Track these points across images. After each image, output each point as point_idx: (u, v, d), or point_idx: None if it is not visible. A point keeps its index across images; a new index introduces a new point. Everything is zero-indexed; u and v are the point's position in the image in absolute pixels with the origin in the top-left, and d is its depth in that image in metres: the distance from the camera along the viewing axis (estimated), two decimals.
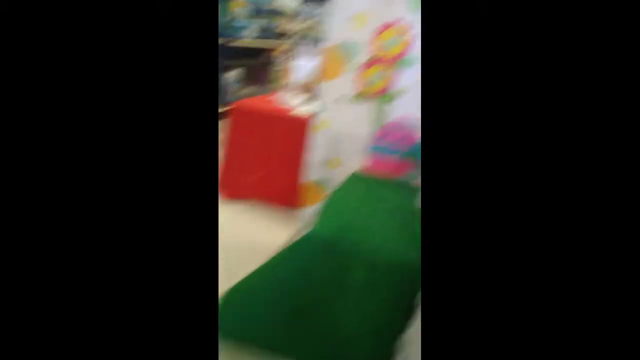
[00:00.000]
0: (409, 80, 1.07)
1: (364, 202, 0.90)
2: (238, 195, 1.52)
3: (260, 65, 2.74)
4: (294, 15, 2.88)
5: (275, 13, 2.81)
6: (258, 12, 2.64)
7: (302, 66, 1.81)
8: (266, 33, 2.71)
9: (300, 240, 0.74)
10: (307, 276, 0.74)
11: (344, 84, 1.12)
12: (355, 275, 0.71)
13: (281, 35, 2.96)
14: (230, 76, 2.50)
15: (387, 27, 1.04)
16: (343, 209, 0.84)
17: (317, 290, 0.73)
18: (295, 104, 1.62)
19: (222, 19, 2.21)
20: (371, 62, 1.08)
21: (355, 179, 1.08)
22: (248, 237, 1.28)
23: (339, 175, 1.20)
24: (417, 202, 0.80)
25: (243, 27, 2.50)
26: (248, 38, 2.52)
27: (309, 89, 1.63)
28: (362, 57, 1.08)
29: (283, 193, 1.60)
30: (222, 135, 1.28)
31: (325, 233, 0.75)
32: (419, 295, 0.65)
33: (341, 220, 0.79)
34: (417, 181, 1.12)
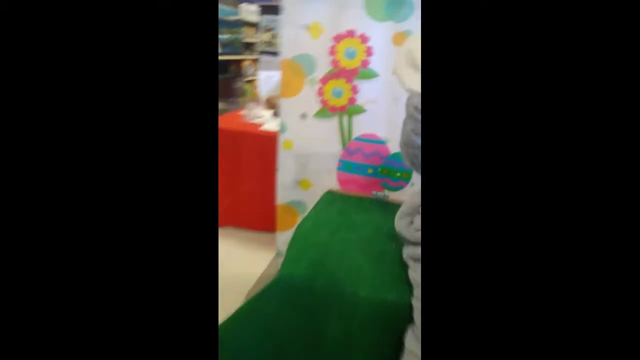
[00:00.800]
0: (372, 94, 1.00)
1: (336, 232, 0.82)
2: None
3: (228, 79, 2.64)
4: (257, 26, 2.80)
5: (241, 24, 2.72)
6: (225, 24, 2.54)
7: (264, 80, 1.72)
8: (232, 46, 2.62)
9: (267, 289, 0.66)
10: (277, 329, 0.65)
11: (304, 100, 1.04)
12: (331, 325, 0.63)
13: (248, 46, 2.87)
14: None
15: (342, 37, 0.96)
16: (312, 244, 0.76)
17: (290, 345, 0.65)
18: (261, 119, 1.54)
19: None
20: (330, 76, 1.01)
21: (327, 202, 1.00)
22: (227, 267, 1.19)
23: (312, 196, 1.12)
24: (396, 222, 0.73)
25: None
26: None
27: (273, 104, 1.55)
28: (321, 71, 1.01)
29: (258, 216, 1.51)
30: None
31: (292, 277, 0.67)
32: (406, 334, 0.57)
33: (310, 259, 0.70)
34: (393, 197, 1.06)
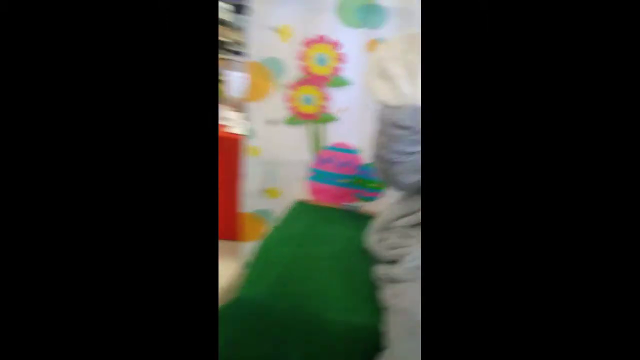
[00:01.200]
0: (345, 102, 0.97)
1: (304, 246, 0.78)
2: None
3: None
4: (229, 25, 2.70)
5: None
6: None
7: (235, 81, 1.66)
8: None
9: (223, 311, 0.60)
10: (234, 357, 0.60)
11: (273, 105, 0.99)
12: (295, 352, 0.59)
13: (221, 45, 2.76)
14: None
15: (313, 42, 0.92)
16: (276, 261, 0.71)
17: None
18: (228, 122, 1.47)
19: None
20: (301, 82, 0.97)
21: (295, 212, 0.95)
22: None
23: (281, 206, 1.07)
24: (368, 238, 0.70)
25: None
26: None
27: (240, 106, 1.49)
28: (291, 75, 0.96)
29: (222, 224, 1.44)
30: None
31: (252, 299, 0.61)
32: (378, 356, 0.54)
33: (273, 278, 0.66)
34: (366, 208, 1.03)
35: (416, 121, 0.53)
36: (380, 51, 0.55)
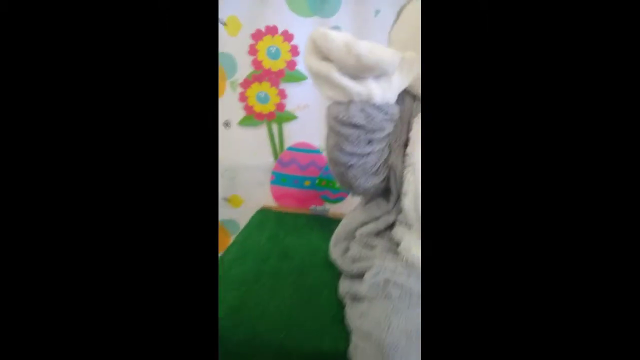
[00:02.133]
0: (302, 99, 0.89)
1: (265, 262, 0.70)
2: None
3: None
4: None
5: None
6: None
7: None
8: None
9: None
10: None
11: (227, 106, 0.91)
12: None
13: None
14: None
15: (262, 35, 0.84)
16: (233, 282, 0.63)
17: None
18: None
19: None
20: (253, 79, 0.88)
21: (257, 223, 0.88)
22: None
23: (245, 214, 0.99)
24: (330, 248, 0.63)
25: None
26: None
27: None
28: (242, 73, 0.88)
29: None
30: None
31: None
32: None
33: (228, 303, 0.58)
34: (333, 210, 0.96)
35: (370, 118, 0.46)
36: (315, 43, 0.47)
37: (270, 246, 0.76)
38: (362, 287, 0.50)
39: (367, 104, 0.45)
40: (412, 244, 0.50)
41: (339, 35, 0.42)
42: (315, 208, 0.95)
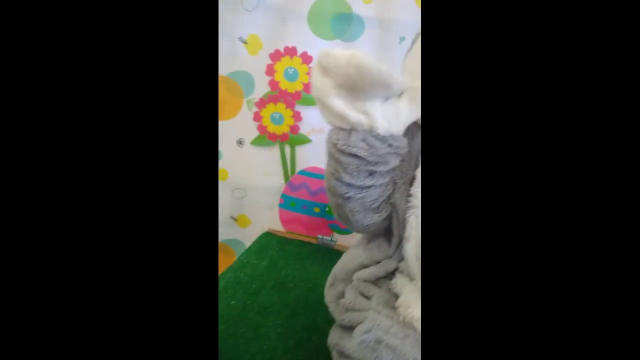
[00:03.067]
0: (317, 123, 0.86)
1: (257, 294, 0.65)
2: None
3: None
4: None
5: None
6: None
7: None
8: None
9: None
10: None
11: (242, 125, 0.89)
12: None
13: None
14: None
15: (280, 56, 0.82)
16: (223, 313, 0.59)
17: None
18: None
19: None
20: (268, 99, 0.86)
21: (258, 248, 0.83)
22: None
23: (251, 235, 0.96)
24: (325, 290, 0.57)
25: None
26: None
27: None
28: (259, 92, 0.86)
29: None
30: None
31: None
32: None
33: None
34: (341, 242, 0.91)
35: (373, 150, 0.41)
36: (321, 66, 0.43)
37: (267, 276, 0.71)
38: (350, 344, 0.44)
39: (370, 134, 0.41)
40: (411, 300, 0.44)
41: (345, 51, 0.38)
42: (322, 238, 0.89)
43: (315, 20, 0.79)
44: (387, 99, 0.41)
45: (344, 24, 0.79)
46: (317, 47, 0.80)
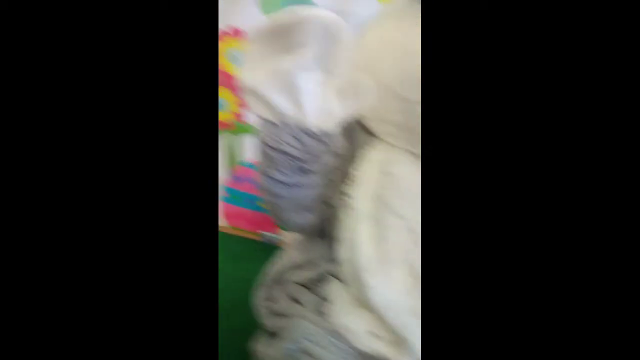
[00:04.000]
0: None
1: None
2: None
3: None
4: None
5: None
6: None
7: None
8: None
9: None
10: None
11: None
12: None
13: None
14: None
15: (222, 36, 0.75)
16: None
17: None
18: None
19: None
20: None
21: None
22: None
23: None
24: (256, 293, 0.53)
25: None
26: None
27: None
28: None
29: None
30: None
31: None
32: None
33: None
34: (284, 239, 0.87)
35: (305, 148, 0.37)
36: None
37: None
38: (272, 352, 0.40)
39: (301, 131, 0.37)
40: (343, 308, 0.41)
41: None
42: (266, 234, 0.85)
43: (267, 2, 0.73)
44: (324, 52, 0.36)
45: (296, 3, 0.74)
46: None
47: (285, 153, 0.37)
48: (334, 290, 0.43)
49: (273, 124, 0.37)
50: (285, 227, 0.46)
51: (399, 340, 0.38)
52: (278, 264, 0.51)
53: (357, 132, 0.44)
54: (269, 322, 0.46)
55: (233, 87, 0.79)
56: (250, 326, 0.54)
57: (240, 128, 0.82)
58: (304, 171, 0.39)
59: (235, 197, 0.87)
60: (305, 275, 0.46)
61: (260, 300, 0.49)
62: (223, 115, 0.81)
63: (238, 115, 0.81)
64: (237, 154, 0.85)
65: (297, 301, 0.45)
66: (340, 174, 0.42)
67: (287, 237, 0.87)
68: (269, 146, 0.37)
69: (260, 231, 0.86)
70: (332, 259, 0.44)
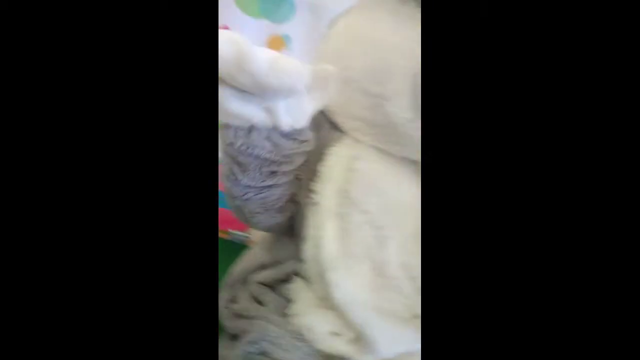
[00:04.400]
0: None
1: None
2: None
3: None
4: None
5: None
6: None
7: None
8: None
9: None
10: None
11: None
12: None
13: None
14: None
15: None
16: None
17: None
18: None
19: None
20: None
21: None
22: None
23: None
24: (221, 292, 0.51)
25: None
26: None
27: None
28: None
29: None
30: None
31: None
32: None
33: None
34: (252, 237, 0.85)
35: (279, 149, 0.36)
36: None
37: None
38: (231, 355, 0.39)
39: (274, 131, 0.35)
40: (306, 307, 0.40)
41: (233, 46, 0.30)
42: (233, 233, 0.82)
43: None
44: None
45: (273, 4, 0.73)
46: (240, 23, 0.72)
47: (257, 157, 0.36)
48: (298, 289, 0.42)
49: (241, 128, 0.35)
50: (256, 229, 0.45)
51: (360, 338, 0.38)
52: (242, 264, 0.50)
53: (324, 128, 0.43)
54: (230, 323, 0.44)
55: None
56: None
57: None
58: (275, 172, 0.38)
59: None
60: (270, 274, 0.45)
61: (223, 301, 0.47)
62: None
63: None
64: None
65: (260, 302, 0.44)
66: (307, 170, 0.41)
67: (255, 236, 0.86)
68: (239, 151, 0.35)
69: (228, 229, 0.83)
70: (299, 258, 0.43)
